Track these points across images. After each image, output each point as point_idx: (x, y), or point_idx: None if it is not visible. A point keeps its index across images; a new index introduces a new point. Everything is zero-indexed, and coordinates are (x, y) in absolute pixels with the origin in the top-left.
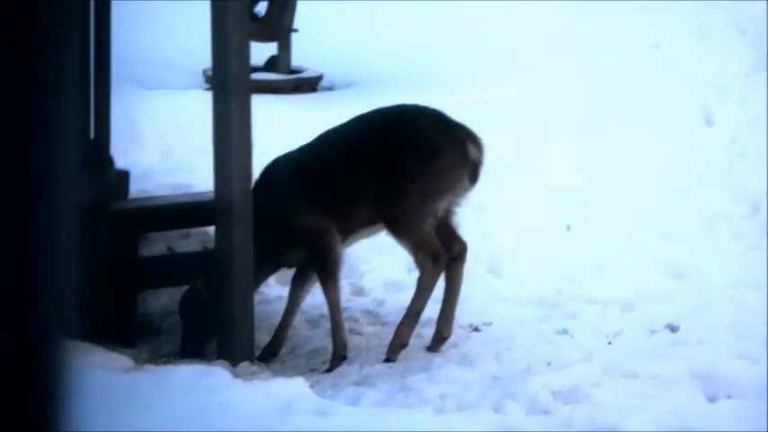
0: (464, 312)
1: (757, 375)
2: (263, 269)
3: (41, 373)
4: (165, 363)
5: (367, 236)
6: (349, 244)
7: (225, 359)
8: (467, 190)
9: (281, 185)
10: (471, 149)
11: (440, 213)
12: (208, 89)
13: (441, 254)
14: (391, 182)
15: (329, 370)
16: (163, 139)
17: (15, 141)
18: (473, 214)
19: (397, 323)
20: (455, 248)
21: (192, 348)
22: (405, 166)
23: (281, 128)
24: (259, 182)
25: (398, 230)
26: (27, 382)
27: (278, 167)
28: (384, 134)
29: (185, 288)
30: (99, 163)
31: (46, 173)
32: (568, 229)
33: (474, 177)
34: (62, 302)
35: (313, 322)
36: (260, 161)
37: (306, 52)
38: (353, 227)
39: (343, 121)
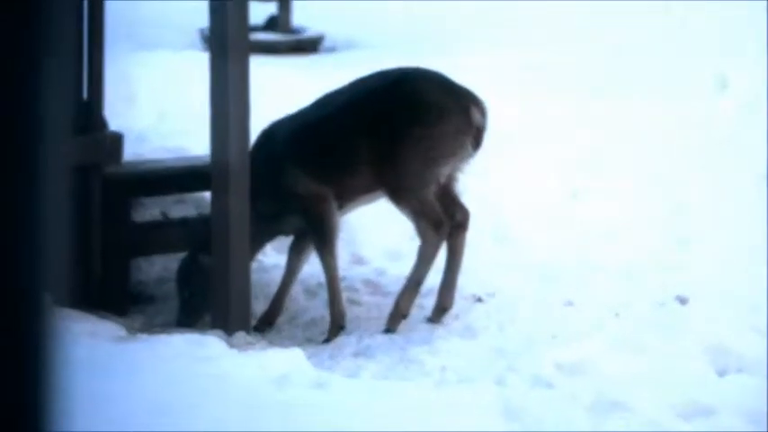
0: (467, 282)
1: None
2: (260, 236)
3: (29, 342)
4: (159, 332)
5: (367, 203)
6: (348, 211)
7: (220, 329)
8: (470, 156)
9: (278, 150)
10: (475, 114)
11: (442, 180)
12: (204, 49)
13: (443, 222)
14: (392, 147)
15: (327, 341)
16: (158, 100)
17: (5, 102)
18: (476, 180)
19: (398, 293)
20: (457, 216)
21: (189, 318)
22: (407, 131)
23: (280, 90)
24: (255, 146)
25: (399, 197)
26: (15, 350)
27: (275, 131)
28: (385, 98)
29: (180, 255)
30: (92, 125)
31: (37, 135)
32: (574, 196)
33: (477, 143)
34: (53, 268)
35: (311, 291)
36: (258, 124)
37: (307, 12)
38: (352, 194)
39: (344, 83)
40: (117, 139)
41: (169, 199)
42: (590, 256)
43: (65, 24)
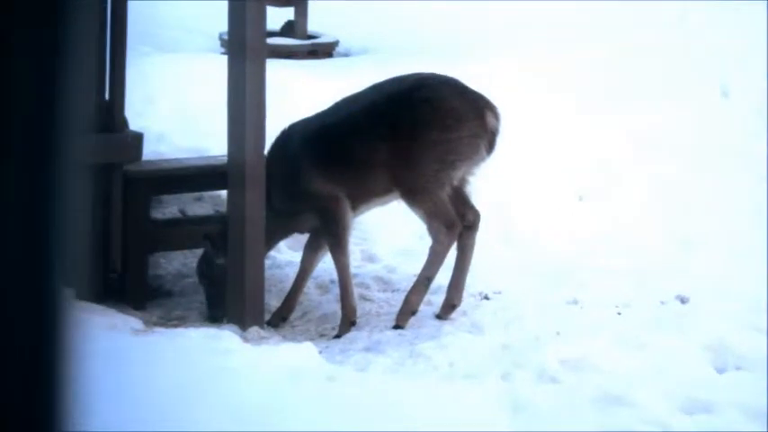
0: (474, 281)
1: (765, 346)
2: (275, 234)
3: (51, 334)
4: (176, 326)
5: (380, 205)
6: (362, 213)
7: (235, 323)
8: (483, 159)
9: (295, 151)
10: (489, 119)
11: (455, 182)
12: (224, 53)
13: (455, 223)
14: (409, 150)
15: (338, 336)
16: (178, 101)
17: (30, 103)
18: (485, 182)
19: (408, 290)
20: (469, 217)
21: (216, 310)
22: (424, 135)
23: (295, 92)
24: (274, 146)
25: (414, 199)
26: (36, 343)
27: (293, 132)
28: (403, 102)
29: (198, 251)
30: (113, 125)
31: (60, 133)
32: (581, 198)
33: (491, 147)
34: (74, 263)
35: (323, 287)
36: (273, 125)
37: (322, 18)
38: (367, 195)
39: (359, 87)
40: (138, 139)
41: (187, 196)
42: (594, 257)
43: (88, 26)
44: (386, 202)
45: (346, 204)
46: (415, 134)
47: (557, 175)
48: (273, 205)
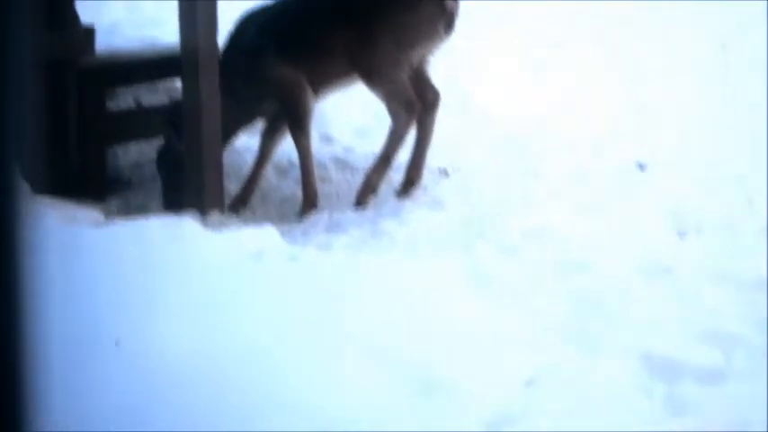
0: (432, 156)
1: (725, 209)
2: (239, 122)
3: (8, 231)
4: (136, 216)
5: (340, 87)
6: (323, 96)
7: (195, 211)
8: (442, 40)
9: (254, 37)
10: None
11: (414, 63)
12: None
13: (414, 103)
14: (367, 32)
15: (300, 218)
16: None
17: None
18: (442, 57)
19: (368, 169)
20: (428, 97)
21: (174, 200)
22: (382, 16)
23: None
24: (232, 34)
25: (373, 80)
26: None
27: (252, 20)
28: None
29: (154, 141)
30: (64, 20)
31: (10, 31)
32: (537, 69)
33: (449, 27)
34: (31, 160)
35: (282, 171)
36: (225, 12)
37: None
38: (327, 79)
39: None
40: (89, 33)
41: (142, 87)
42: (552, 127)
43: None
44: (347, 85)
45: (306, 88)
46: (373, 16)
47: (514, 46)
48: (235, 93)
